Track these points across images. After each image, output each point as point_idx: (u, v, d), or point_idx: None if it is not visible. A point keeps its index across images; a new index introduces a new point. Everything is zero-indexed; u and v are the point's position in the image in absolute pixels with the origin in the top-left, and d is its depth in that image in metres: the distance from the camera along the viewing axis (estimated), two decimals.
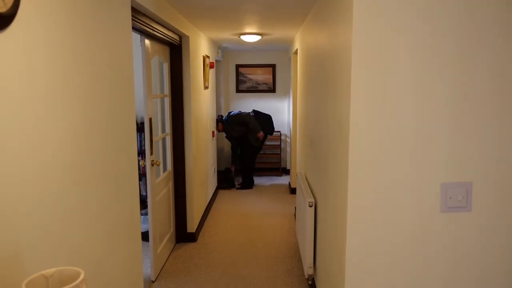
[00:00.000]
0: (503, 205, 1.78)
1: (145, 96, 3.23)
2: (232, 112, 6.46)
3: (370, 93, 1.74)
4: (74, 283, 1.06)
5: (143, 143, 4.24)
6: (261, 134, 6.35)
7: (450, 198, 1.77)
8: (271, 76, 7.45)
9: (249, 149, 6.49)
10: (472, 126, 1.74)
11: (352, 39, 1.72)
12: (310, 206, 2.95)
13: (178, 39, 3.84)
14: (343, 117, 1.92)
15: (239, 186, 6.57)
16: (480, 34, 1.69)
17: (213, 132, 5.83)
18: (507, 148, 1.75)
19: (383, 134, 1.75)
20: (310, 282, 3.19)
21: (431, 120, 1.74)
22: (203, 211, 4.86)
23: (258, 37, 5.13)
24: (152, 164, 3.31)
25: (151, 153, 3.30)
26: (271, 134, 6.70)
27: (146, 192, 3.41)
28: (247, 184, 6.55)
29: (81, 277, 1.10)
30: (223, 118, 6.43)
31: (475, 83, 1.71)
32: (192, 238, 4.23)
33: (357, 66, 1.73)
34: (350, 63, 1.74)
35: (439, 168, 1.76)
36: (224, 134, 6.66)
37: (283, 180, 7.05)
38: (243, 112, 6.45)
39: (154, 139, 3.41)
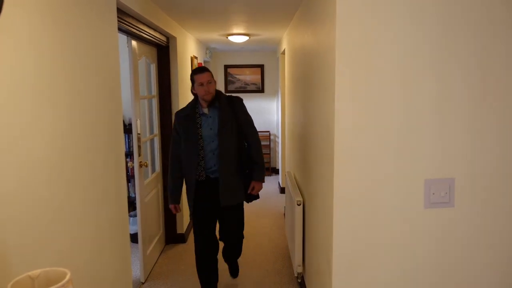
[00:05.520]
0: (484, 200, 1.82)
1: (133, 97, 3.22)
2: None
3: (354, 92, 1.76)
4: (60, 284, 1.06)
5: (131, 144, 4.22)
6: None
7: (433, 194, 1.81)
8: (259, 76, 7.47)
9: None
10: (455, 123, 1.77)
11: (335, 37, 1.74)
12: (299, 205, 2.97)
13: (165, 40, 3.84)
14: (328, 116, 1.94)
15: None
16: (467, 30, 1.71)
17: None
18: (488, 144, 1.79)
19: (367, 131, 1.78)
20: (299, 280, 3.21)
21: (415, 118, 1.76)
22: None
23: (246, 38, 5.14)
24: (141, 166, 3.31)
25: (139, 155, 3.29)
26: None
27: (135, 193, 3.39)
28: None
29: (67, 277, 1.10)
30: None
31: (458, 81, 1.74)
32: (181, 239, 4.22)
33: (341, 64, 1.75)
34: (334, 62, 1.76)
35: (423, 165, 1.79)
36: None
37: (273, 179, 7.07)
38: None
39: (142, 140, 3.40)
